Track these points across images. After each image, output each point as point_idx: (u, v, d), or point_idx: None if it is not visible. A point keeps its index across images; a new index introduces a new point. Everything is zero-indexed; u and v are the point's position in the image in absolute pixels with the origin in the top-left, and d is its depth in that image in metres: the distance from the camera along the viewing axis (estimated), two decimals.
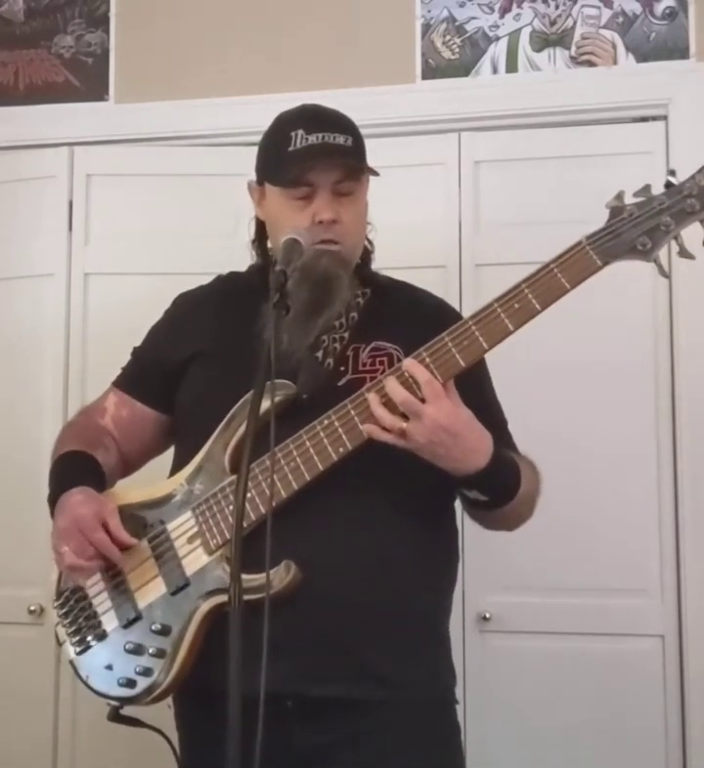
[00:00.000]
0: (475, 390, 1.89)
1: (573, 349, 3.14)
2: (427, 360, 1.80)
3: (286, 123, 2.00)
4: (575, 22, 3.24)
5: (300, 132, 1.95)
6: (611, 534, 3.10)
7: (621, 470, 3.12)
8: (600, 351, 3.13)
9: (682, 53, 3.17)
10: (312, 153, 1.94)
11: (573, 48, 3.24)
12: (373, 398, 1.80)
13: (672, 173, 1.82)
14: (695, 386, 3.09)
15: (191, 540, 1.90)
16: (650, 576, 3.11)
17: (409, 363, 1.80)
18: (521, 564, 3.10)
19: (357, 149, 2.01)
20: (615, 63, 3.21)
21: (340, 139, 1.97)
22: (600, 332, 3.13)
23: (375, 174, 2.01)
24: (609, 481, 3.12)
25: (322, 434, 1.83)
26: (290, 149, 1.95)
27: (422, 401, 1.76)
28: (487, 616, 3.15)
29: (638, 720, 3.06)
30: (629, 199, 1.81)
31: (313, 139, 1.95)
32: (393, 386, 1.78)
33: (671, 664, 3.07)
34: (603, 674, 3.08)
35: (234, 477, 1.89)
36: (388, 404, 1.79)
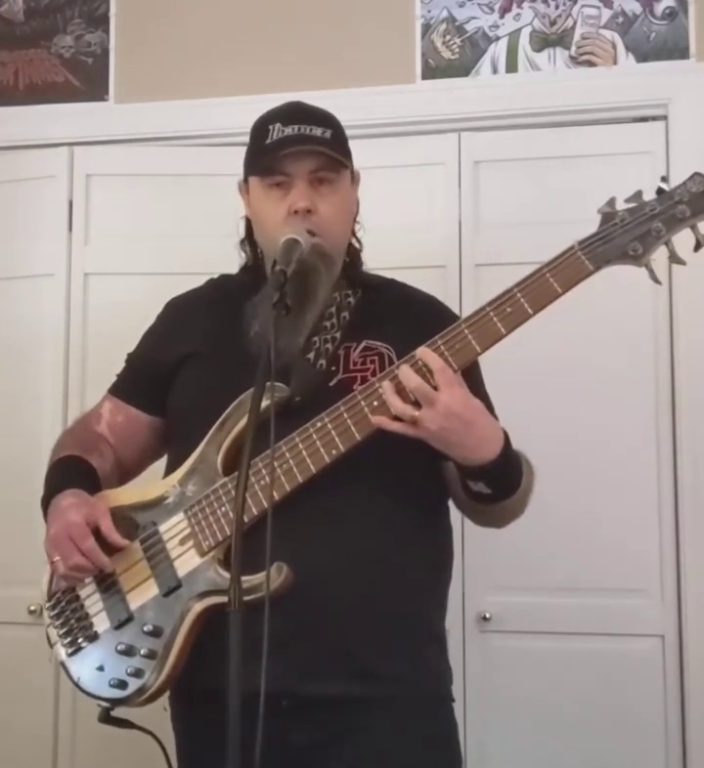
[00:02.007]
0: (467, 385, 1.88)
1: (573, 350, 3.14)
2: (442, 348, 1.81)
3: (267, 119, 2.02)
4: (575, 22, 3.24)
5: (278, 125, 1.97)
6: (611, 534, 3.10)
7: (621, 470, 3.12)
8: (600, 352, 3.13)
9: (681, 53, 3.17)
10: (287, 143, 1.96)
11: (573, 48, 3.24)
12: (387, 386, 1.80)
13: (663, 179, 1.84)
14: (695, 387, 3.09)
15: (183, 542, 1.90)
16: (650, 576, 3.11)
17: (422, 352, 1.80)
18: (521, 564, 3.10)
19: (335, 142, 2.01)
20: (615, 63, 3.21)
21: (317, 130, 1.98)
22: (600, 333, 3.13)
23: (348, 165, 2.03)
24: (609, 481, 3.12)
25: (315, 436, 1.84)
26: (267, 141, 1.97)
27: (435, 389, 1.77)
28: (487, 616, 3.15)
29: (637, 720, 3.06)
30: (620, 205, 1.82)
31: (289, 130, 1.97)
32: (407, 372, 1.79)
33: (671, 664, 3.07)
34: (603, 674, 3.09)
35: (226, 479, 1.90)
36: (400, 392, 1.79)
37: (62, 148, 3.45)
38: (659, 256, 1.84)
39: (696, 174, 1.81)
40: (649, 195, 1.83)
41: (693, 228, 1.81)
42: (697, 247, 1.81)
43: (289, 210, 1.95)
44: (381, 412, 1.81)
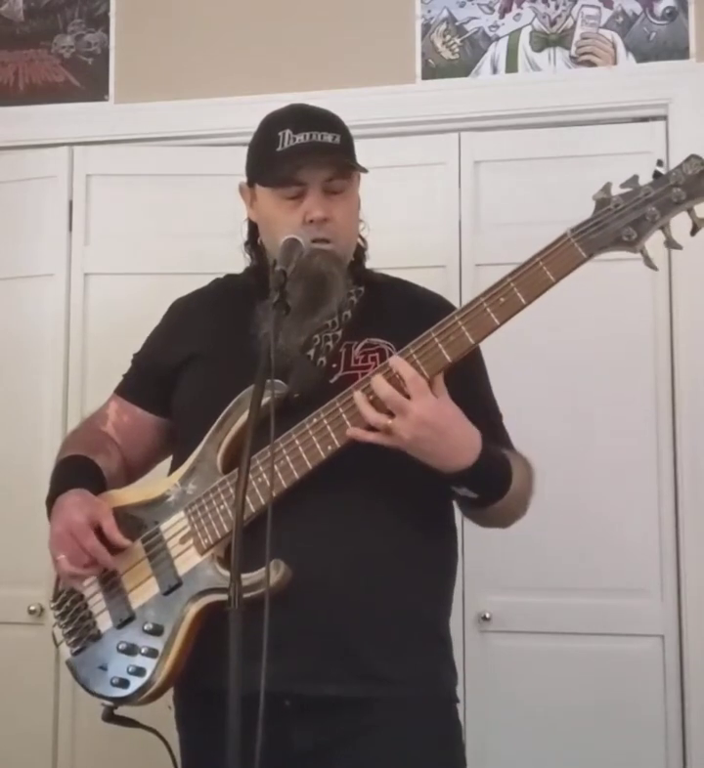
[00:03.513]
0: (468, 383, 1.89)
1: (572, 348, 3.14)
2: (414, 356, 1.80)
3: (274, 124, 2.00)
4: (575, 22, 3.24)
5: (288, 132, 1.95)
6: (611, 534, 3.10)
7: (621, 470, 3.12)
8: (600, 351, 3.13)
9: (681, 53, 3.17)
10: (300, 152, 1.94)
11: (573, 48, 3.23)
12: (358, 396, 1.80)
13: (660, 163, 1.82)
14: (696, 387, 3.08)
15: (183, 540, 1.90)
16: (650, 576, 3.11)
17: (395, 361, 1.80)
18: (521, 564, 3.10)
19: (346, 147, 2.01)
20: (615, 63, 3.21)
21: (328, 137, 1.97)
22: (599, 329, 3.13)
23: (364, 170, 2.02)
24: (609, 481, 3.12)
25: (311, 432, 1.83)
26: (279, 149, 1.95)
27: (408, 397, 1.76)
28: (487, 616, 3.15)
29: (638, 720, 3.06)
30: (616, 191, 1.81)
31: (301, 138, 1.95)
32: (379, 382, 1.78)
33: (671, 664, 3.07)
34: (603, 674, 3.08)
35: (225, 477, 1.90)
36: (374, 402, 1.79)
37: (62, 148, 3.45)
38: (657, 241, 1.82)
39: (692, 156, 1.79)
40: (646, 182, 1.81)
41: (690, 211, 1.79)
42: (694, 231, 1.79)
43: (305, 219, 1.95)
44: (357, 422, 1.81)
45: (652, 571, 3.11)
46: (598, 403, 3.13)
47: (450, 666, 2.03)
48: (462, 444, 1.81)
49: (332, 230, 1.97)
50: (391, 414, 1.77)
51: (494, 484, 1.88)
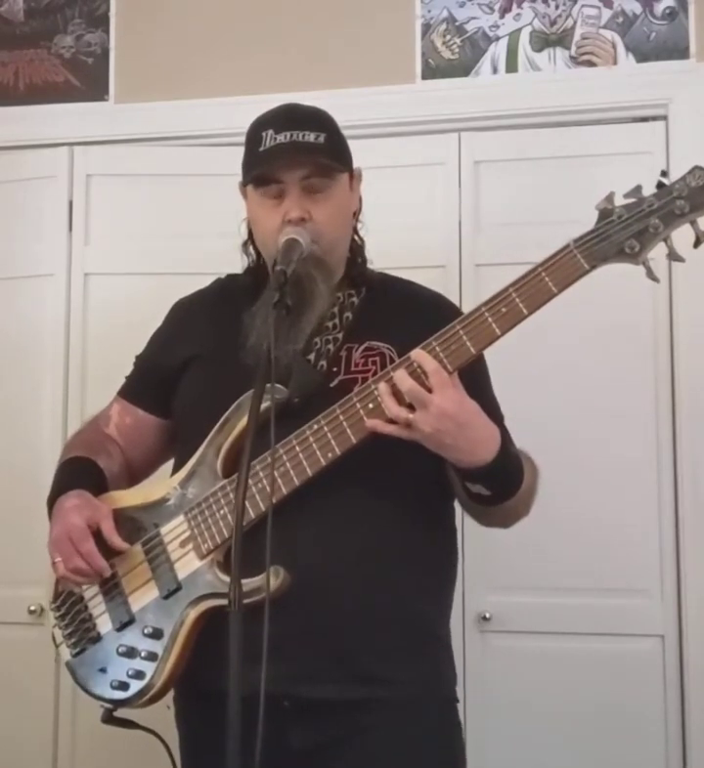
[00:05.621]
0: (471, 384, 1.86)
1: (573, 350, 3.14)
2: (437, 349, 1.80)
3: (261, 124, 2.00)
4: (575, 22, 3.23)
5: (270, 132, 1.95)
6: (611, 535, 3.10)
7: (621, 470, 3.11)
8: (600, 351, 3.13)
9: (681, 53, 3.16)
10: (279, 152, 1.94)
11: (573, 48, 3.23)
12: (382, 388, 1.79)
13: (663, 173, 1.80)
14: (695, 387, 3.08)
15: (183, 544, 1.90)
16: (650, 576, 3.11)
17: (417, 353, 1.79)
18: (521, 564, 3.10)
19: (330, 146, 1.99)
20: (615, 63, 3.21)
21: (311, 136, 1.96)
22: (600, 332, 3.13)
23: (343, 170, 2.02)
24: (610, 481, 3.11)
25: (311, 439, 1.83)
26: (260, 149, 1.96)
27: (430, 390, 1.76)
28: (487, 616, 3.15)
29: (637, 720, 3.05)
30: (619, 200, 1.79)
31: (281, 137, 1.95)
32: (400, 375, 1.77)
33: (671, 664, 3.07)
34: (604, 674, 3.08)
35: (225, 481, 1.90)
36: (396, 395, 1.78)
37: (62, 148, 3.45)
38: (658, 253, 1.82)
39: (696, 168, 1.77)
40: (649, 192, 1.80)
41: (693, 223, 1.77)
42: (697, 243, 1.78)
43: (284, 219, 1.95)
44: (376, 415, 1.80)
45: (652, 571, 3.11)
46: (598, 402, 3.12)
47: (450, 667, 2.03)
48: (482, 437, 1.80)
49: (313, 229, 1.96)
50: (412, 408, 1.77)
51: (508, 482, 1.88)
